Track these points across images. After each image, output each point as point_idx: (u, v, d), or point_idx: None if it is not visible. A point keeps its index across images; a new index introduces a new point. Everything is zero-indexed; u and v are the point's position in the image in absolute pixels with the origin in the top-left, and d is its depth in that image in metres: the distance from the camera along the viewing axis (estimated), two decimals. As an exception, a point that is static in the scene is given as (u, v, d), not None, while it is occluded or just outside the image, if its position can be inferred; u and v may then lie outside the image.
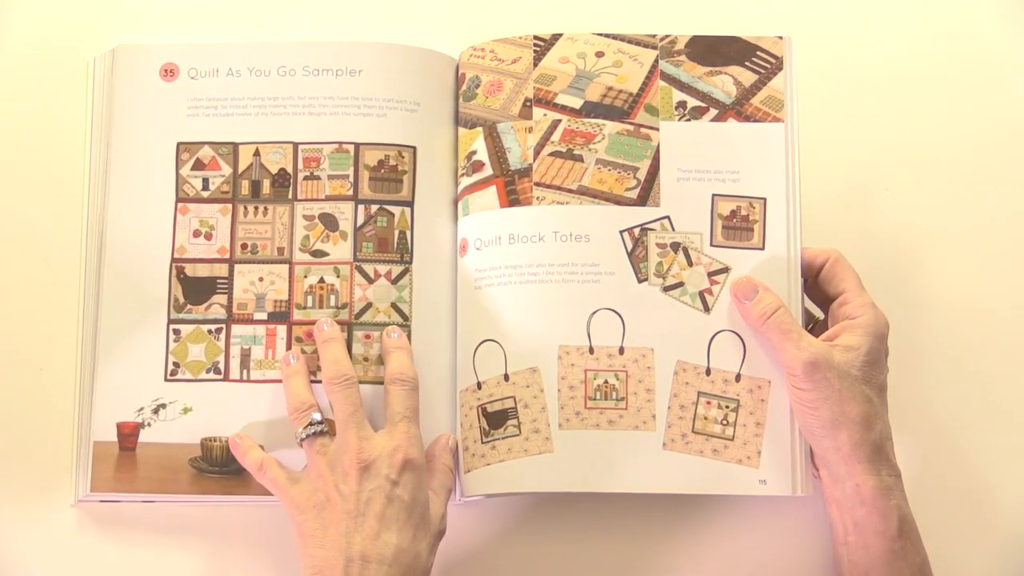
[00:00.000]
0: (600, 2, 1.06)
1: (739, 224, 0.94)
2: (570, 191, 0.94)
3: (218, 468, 0.91)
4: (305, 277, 0.95)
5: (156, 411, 0.92)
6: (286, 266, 0.95)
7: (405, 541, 0.84)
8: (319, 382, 0.91)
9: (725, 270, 0.93)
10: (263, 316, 0.94)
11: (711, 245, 0.93)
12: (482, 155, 0.96)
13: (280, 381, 0.93)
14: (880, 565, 0.86)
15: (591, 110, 0.96)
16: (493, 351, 0.92)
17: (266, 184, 0.96)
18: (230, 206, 0.96)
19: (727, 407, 0.91)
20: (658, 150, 0.95)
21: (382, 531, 0.84)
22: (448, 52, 0.99)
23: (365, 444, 0.86)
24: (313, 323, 0.94)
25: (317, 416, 0.88)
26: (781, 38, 0.97)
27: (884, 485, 0.86)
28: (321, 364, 0.91)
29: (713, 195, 0.94)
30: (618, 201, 0.94)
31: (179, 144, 0.96)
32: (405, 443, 0.87)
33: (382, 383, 0.92)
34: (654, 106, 0.96)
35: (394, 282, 0.94)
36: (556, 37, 0.97)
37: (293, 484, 0.87)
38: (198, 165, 0.96)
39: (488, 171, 0.95)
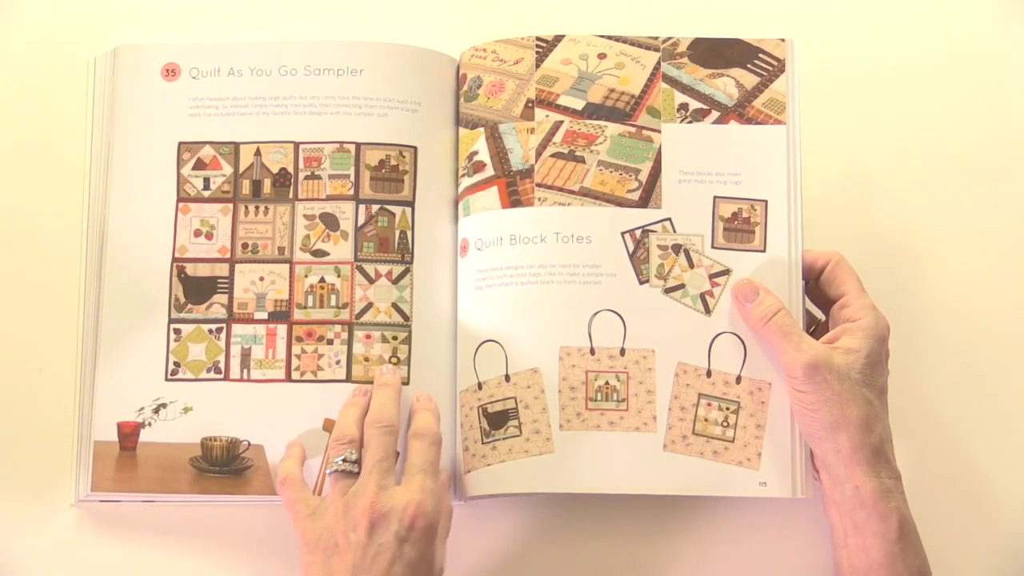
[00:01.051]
0: (602, 4, 1.06)
1: (740, 226, 0.94)
2: (572, 192, 0.94)
3: (218, 468, 0.91)
4: (306, 277, 0.95)
5: (157, 411, 0.92)
6: (287, 266, 0.95)
7: None
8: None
9: (726, 272, 0.93)
10: (264, 316, 0.94)
11: (712, 247, 0.94)
12: (484, 156, 0.96)
13: (280, 381, 0.93)
14: (879, 567, 0.86)
15: (593, 111, 0.96)
16: (494, 351, 0.92)
17: (267, 184, 0.96)
18: (231, 206, 0.96)
19: (728, 409, 0.91)
20: (660, 152, 0.95)
21: None
22: (449, 52, 0.99)
23: (382, 495, 0.84)
24: (314, 323, 0.94)
25: (353, 455, 0.87)
26: (783, 40, 0.97)
27: (884, 487, 0.87)
28: (371, 405, 0.90)
29: (714, 197, 0.94)
30: (620, 203, 0.94)
31: (180, 144, 0.96)
32: (419, 497, 0.84)
33: (383, 383, 0.93)
34: (656, 108, 0.96)
35: (395, 282, 0.94)
36: (558, 38, 0.98)
37: (308, 516, 0.86)
38: (199, 165, 0.96)
39: (490, 172, 0.95)
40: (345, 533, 0.83)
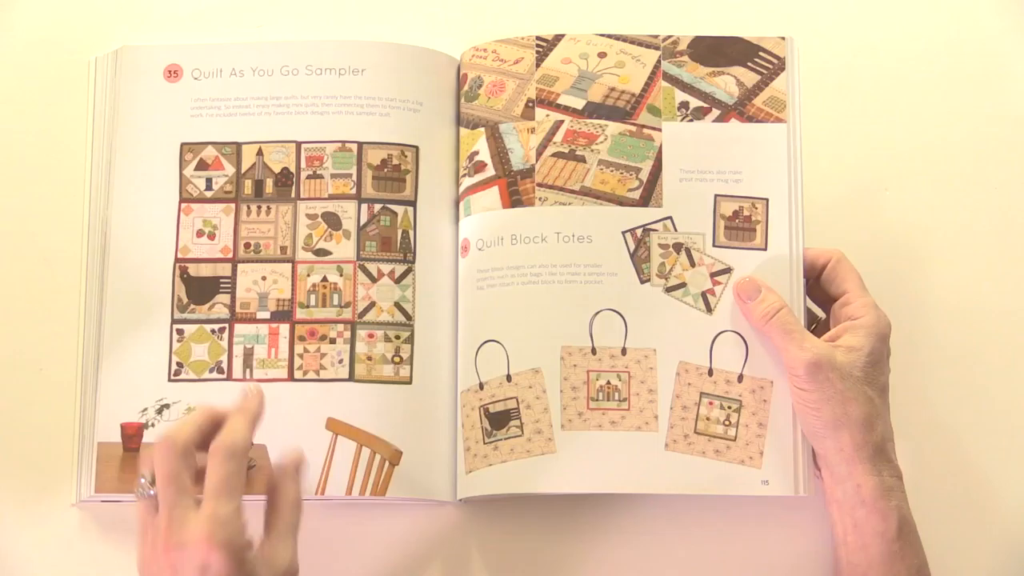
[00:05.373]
0: (602, 3, 1.06)
1: (741, 224, 0.94)
2: (572, 192, 0.94)
3: (222, 468, 0.92)
4: (308, 276, 0.95)
5: (160, 411, 0.92)
6: (289, 265, 0.95)
7: None
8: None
9: (727, 271, 0.93)
10: (266, 315, 0.95)
11: (713, 246, 0.94)
12: (484, 156, 0.96)
13: (283, 380, 0.93)
14: (878, 565, 0.86)
15: (593, 111, 0.96)
16: (495, 351, 0.92)
17: (269, 183, 0.96)
18: (233, 206, 0.96)
19: (729, 408, 0.92)
20: (660, 151, 0.95)
21: None
22: (450, 52, 0.99)
23: (174, 531, 0.74)
24: (317, 322, 0.94)
25: (144, 480, 0.78)
26: (783, 39, 0.97)
27: (885, 486, 0.87)
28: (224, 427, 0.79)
29: (715, 196, 0.94)
30: (620, 202, 0.94)
31: (182, 144, 0.97)
32: (207, 529, 0.73)
33: (385, 383, 0.93)
34: (656, 107, 0.96)
35: (397, 281, 0.95)
36: (558, 38, 0.98)
37: (141, 536, 0.79)
38: (201, 165, 0.96)
39: (490, 172, 0.95)
40: (158, 571, 0.76)
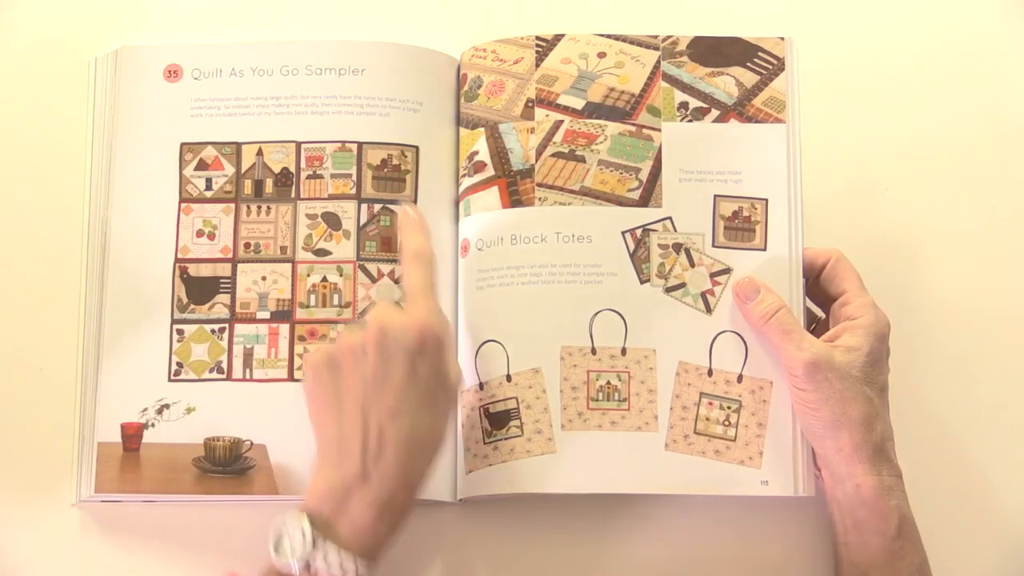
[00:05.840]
0: (602, 3, 1.07)
1: (741, 225, 0.94)
2: (572, 192, 0.94)
3: (221, 468, 0.92)
4: (308, 276, 0.95)
5: (160, 411, 0.92)
6: (289, 265, 0.95)
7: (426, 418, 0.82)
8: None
9: (727, 271, 0.93)
10: (266, 315, 0.95)
11: (713, 246, 0.94)
12: (484, 156, 0.96)
13: (283, 380, 0.93)
14: (879, 565, 0.86)
15: (593, 111, 0.96)
16: (495, 352, 0.92)
17: (269, 183, 0.96)
18: (233, 206, 0.96)
19: (729, 408, 0.92)
20: (660, 151, 0.95)
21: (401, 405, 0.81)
22: (450, 52, 0.99)
23: (388, 319, 0.82)
24: (317, 322, 0.94)
25: None
26: (783, 39, 0.97)
27: (885, 485, 0.87)
28: (404, 242, 0.89)
29: (715, 196, 0.94)
30: (620, 202, 0.94)
31: (182, 144, 0.96)
32: (425, 317, 0.83)
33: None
34: (656, 107, 0.96)
35: (397, 281, 0.95)
36: (558, 38, 0.98)
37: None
38: (201, 165, 0.96)
39: (490, 172, 0.95)
40: (354, 356, 0.81)
